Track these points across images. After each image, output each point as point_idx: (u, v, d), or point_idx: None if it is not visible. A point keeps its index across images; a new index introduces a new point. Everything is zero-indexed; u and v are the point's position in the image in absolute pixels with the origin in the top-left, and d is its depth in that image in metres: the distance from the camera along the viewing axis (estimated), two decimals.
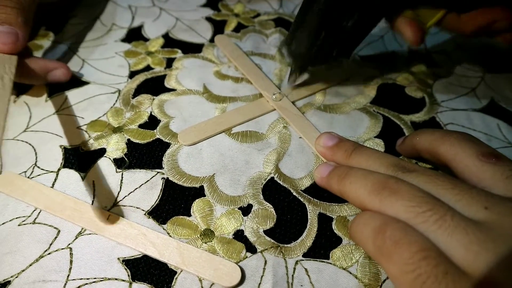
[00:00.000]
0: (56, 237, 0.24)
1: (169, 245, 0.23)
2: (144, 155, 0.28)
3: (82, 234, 0.24)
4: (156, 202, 0.26)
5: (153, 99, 0.32)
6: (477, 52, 0.42)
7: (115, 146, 0.29)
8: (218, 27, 0.41)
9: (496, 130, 0.33)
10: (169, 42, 0.39)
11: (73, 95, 0.32)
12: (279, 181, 0.27)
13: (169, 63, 0.36)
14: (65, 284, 0.22)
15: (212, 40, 0.39)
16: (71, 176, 0.27)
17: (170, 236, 0.24)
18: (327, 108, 0.33)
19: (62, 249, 0.23)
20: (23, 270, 0.22)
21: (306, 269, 0.23)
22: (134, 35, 0.39)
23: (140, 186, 0.27)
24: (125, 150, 0.28)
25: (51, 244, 0.23)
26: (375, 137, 0.31)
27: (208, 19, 0.42)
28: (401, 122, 0.33)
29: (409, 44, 0.37)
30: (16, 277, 0.22)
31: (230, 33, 0.40)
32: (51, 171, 0.27)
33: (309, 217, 0.26)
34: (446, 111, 0.34)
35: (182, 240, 0.24)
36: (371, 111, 0.33)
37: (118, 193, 0.26)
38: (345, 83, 0.36)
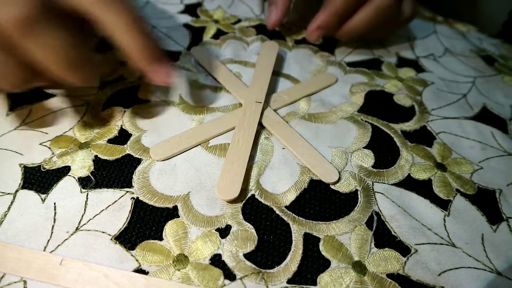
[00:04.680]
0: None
1: (137, 284, 0.21)
2: (113, 172, 0.26)
3: None
4: (124, 225, 0.23)
5: (124, 111, 0.30)
6: (467, 56, 0.41)
7: (81, 164, 0.26)
8: (197, 34, 0.39)
9: (490, 138, 0.32)
10: None
11: (38, 109, 0.30)
12: (260, 199, 0.25)
13: None
14: None
15: (189, 48, 0.37)
16: (30, 198, 0.24)
17: (140, 263, 0.22)
18: (312, 117, 0.31)
19: (15, 282, 0.21)
20: None
21: None
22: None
23: (107, 207, 0.24)
24: (92, 167, 0.26)
25: (2, 277, 0.21)
26: (364, 147, 0.29)
27: (186, 25, 0.40)
28: (391, 131, 0.31)
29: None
30: None
31: (209, 40, 0.38)
32: (8, 193, 0.24)
33: (293, 237, 0.24)
34: (437, 120, 0.33)
35: (153, 268, 0.22)
36: (359, 120, 0.31)
37: (82, 215, 0.23)
38: (330, 90, 0.34)
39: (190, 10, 0.42)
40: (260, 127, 0.29)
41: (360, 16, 0.34)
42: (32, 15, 0.20)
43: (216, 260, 0.22)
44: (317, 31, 0.35)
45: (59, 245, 0.22)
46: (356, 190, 0.26)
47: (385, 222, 0.25)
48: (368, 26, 0.35)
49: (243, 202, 0.25)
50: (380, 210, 0.25)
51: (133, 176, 0.26)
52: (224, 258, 0.22)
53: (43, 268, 0.21)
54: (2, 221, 0.23)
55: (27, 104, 0.30)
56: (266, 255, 0.23)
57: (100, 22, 0.23)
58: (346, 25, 0.35)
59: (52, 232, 0.23)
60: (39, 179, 0.25)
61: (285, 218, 0.24)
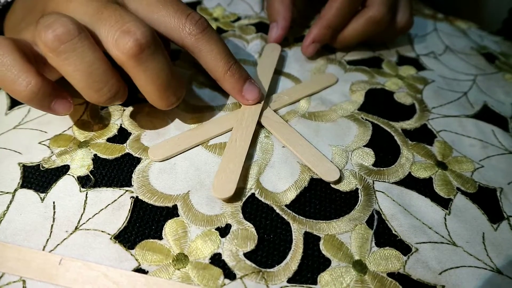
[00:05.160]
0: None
1: (137, 283, 0.21)
2: (112, 171, 0.26)
3: None
4: (124, 225, 0.23)
5: (124, 110, 0.30)
6: (468, 53, 0.41)
7: (80, 163, 0.26)
8: None
9: (491, 136, 0.32)
10: None
11: None
12: (260, 198, 0.25)
13: None
14: None
15: None
16: (29, 197, 0.24)
17: (139, 262, 0.22)
18: (312, 115, 0.31)
19: (14, 282, 0.20)
20: None
21: None
22: None
23: (107, 206, 0.24)
24: (91, 166, 0.26)
25: (1, 277, 0.21)
26: (364, 146, 0.29)
27: None
28: (391, 130, 0.31)
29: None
30: None
31: None
32: (6, 192, 0.24)
33: (294, 236, 0.24)
34: (437, 118, 0.32)
35: (152, 267, 0.21)
36: (359, 118, 0.31)
37: (82, 215, 0.23)
38: (331, 89, 0.34)
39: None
40: (260, 126, 0.29)
41: (353, 27, 0.35)
42: (147, 42, 0.22)
43: (216, 260, 0.22)
44: (312, 45, 0.36)
45: (58, 244, 0.22)
46: (357, 189, 0.26)
47: (386, 221, 0.25)
48: (361, 37, 0.36)
49: (243, 201, 0.25)
50: (380, 209, 0.25)
51: (133, 175, 0.25)
52: (224, 257, 0.22)
53: (42, 268, 0.21)
54: (1, 220, 0.23)
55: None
56: (266, 254, 0.23)
57: (197, 52, 0.26)
58: (340, 36, 0.36)
59: (51, 232, 0.23)
60: (38, 178, 0.25)
61: (285, 217, 0.24)
